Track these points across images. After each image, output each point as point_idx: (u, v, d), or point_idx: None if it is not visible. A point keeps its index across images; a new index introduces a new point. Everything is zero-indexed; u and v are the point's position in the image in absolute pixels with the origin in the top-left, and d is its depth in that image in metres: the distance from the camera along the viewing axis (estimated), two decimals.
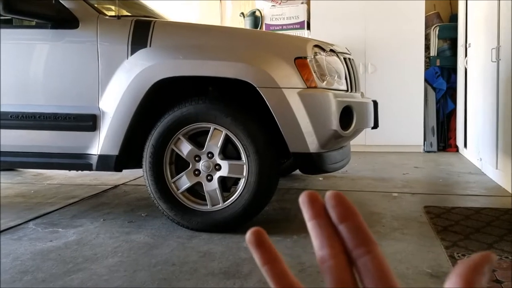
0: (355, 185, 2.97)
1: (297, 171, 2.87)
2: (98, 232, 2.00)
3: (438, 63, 4.67)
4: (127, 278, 1.50)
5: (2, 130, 2.15)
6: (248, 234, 0.24)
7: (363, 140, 4.35)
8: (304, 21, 4.82)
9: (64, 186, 3.02)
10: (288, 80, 1.92)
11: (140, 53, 1.99)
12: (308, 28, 4.80)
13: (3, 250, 1.79)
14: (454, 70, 4.62)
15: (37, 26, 2.14)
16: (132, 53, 2.00)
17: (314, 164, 1.94)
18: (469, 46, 3.95)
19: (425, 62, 4.59)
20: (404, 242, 1.82)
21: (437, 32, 4.67)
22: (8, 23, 2.45)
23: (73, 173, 3.41)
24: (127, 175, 3.28)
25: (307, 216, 0.23)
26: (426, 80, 4.58)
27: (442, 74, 4.66)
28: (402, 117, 4.46)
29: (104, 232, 2.01)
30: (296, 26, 4.85)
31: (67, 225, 2.12)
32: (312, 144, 1.91)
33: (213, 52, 1.97)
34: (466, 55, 4.09)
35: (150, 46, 1.98)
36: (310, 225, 0.23)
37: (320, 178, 3.17)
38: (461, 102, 4.38)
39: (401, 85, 4.48)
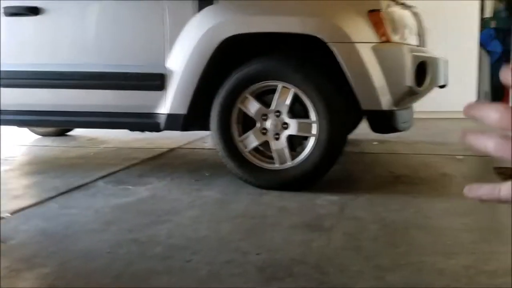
0: (413, 149, 2.91)
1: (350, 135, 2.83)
2: (169, 189, 2.04)
3: (493, 25, 4.44)
4: (212, 228, 1.53)
5: (71, 90, 2.19)
6: None
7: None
8: None
9: (121, 149, 3.08)
10: (361, 35, 1.85)
11: (208, 9, 1.96)
12: None
13: (80, 204, 1.85)
14: (509, 32, 4.38)
15: None
16: (200, 9, 1.97)
17: (386, 122, 1.90)
18: None
19: (480, 24, 4.36)
20: None
21: None
22: None
23: (127, 137, 3.48)
24: (179, 139, 3.31)
25: None
26: (480, 43, 4.36)
27: (497, 36, 4.44)
28: (454, 82, 4.28)
29: (176, 188, 2.05)
30: None
31: (136, 183, 2.17)
32: (385, 101, 1.86)
33: (280, 6, 1.92)
34: None
35: (217, 1, 1.95)
36: None
37: (375, 142, 3.11)
38: None
39: (454, 48, 4.29)
